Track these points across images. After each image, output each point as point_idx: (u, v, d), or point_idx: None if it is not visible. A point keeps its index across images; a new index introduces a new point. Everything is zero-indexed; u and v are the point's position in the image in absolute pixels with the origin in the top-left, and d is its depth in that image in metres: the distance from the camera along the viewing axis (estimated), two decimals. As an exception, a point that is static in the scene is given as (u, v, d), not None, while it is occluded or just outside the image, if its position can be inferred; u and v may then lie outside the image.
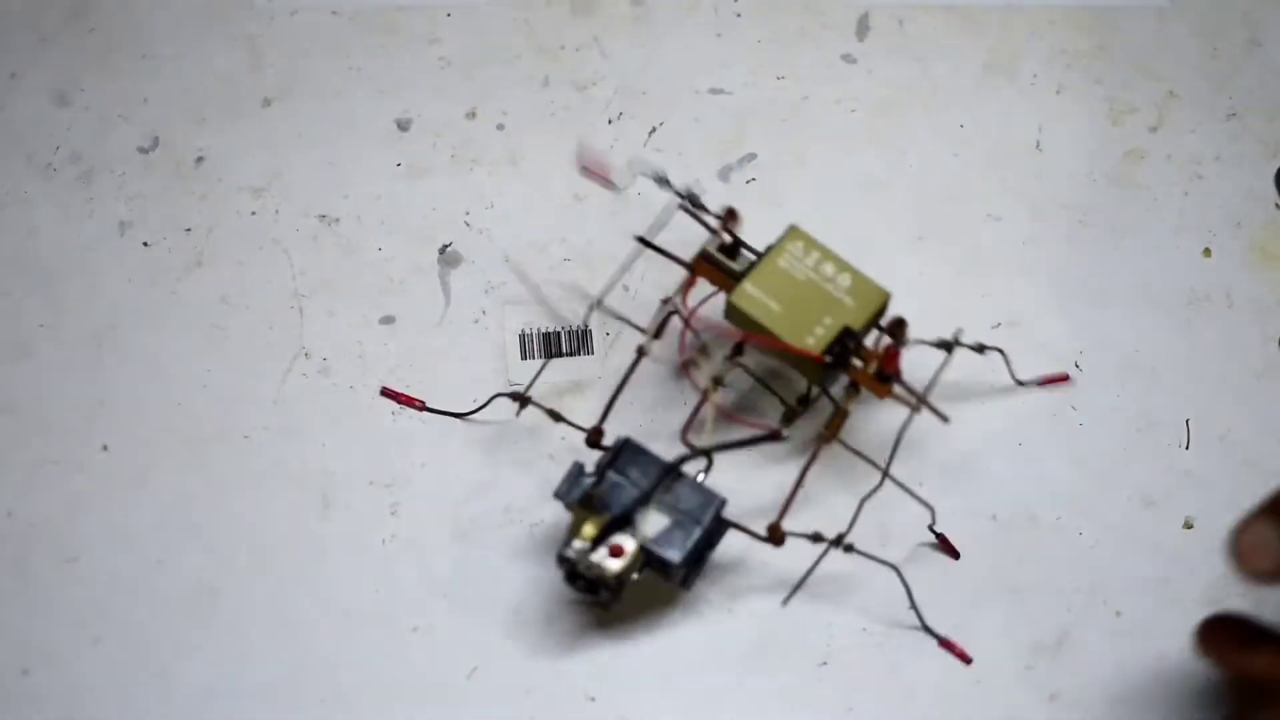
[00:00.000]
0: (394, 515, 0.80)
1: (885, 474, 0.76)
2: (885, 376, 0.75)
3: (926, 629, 0.78)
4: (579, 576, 0.74)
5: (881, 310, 0.76)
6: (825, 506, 0.78)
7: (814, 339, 0.75)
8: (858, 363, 0.75)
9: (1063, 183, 0.88)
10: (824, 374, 0.76)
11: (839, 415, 0.76)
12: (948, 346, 0.77)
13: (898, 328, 0.76)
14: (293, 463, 0.81)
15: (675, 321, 0.79)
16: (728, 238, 0.77)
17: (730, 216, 0.78)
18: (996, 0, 0.92)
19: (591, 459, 0.76)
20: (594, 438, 0.77)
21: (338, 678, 0.77)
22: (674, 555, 0.73)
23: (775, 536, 0.75)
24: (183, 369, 0.82)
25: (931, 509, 0.78)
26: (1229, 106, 0.90)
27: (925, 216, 0.87)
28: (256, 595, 0.78)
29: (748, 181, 0.87)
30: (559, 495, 0.74)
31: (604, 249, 0.86)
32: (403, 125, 0.88)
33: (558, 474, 0.81)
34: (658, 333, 0.78)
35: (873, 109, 0.89)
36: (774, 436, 0.73)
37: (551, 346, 0.84)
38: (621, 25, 0.90)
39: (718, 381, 0.74)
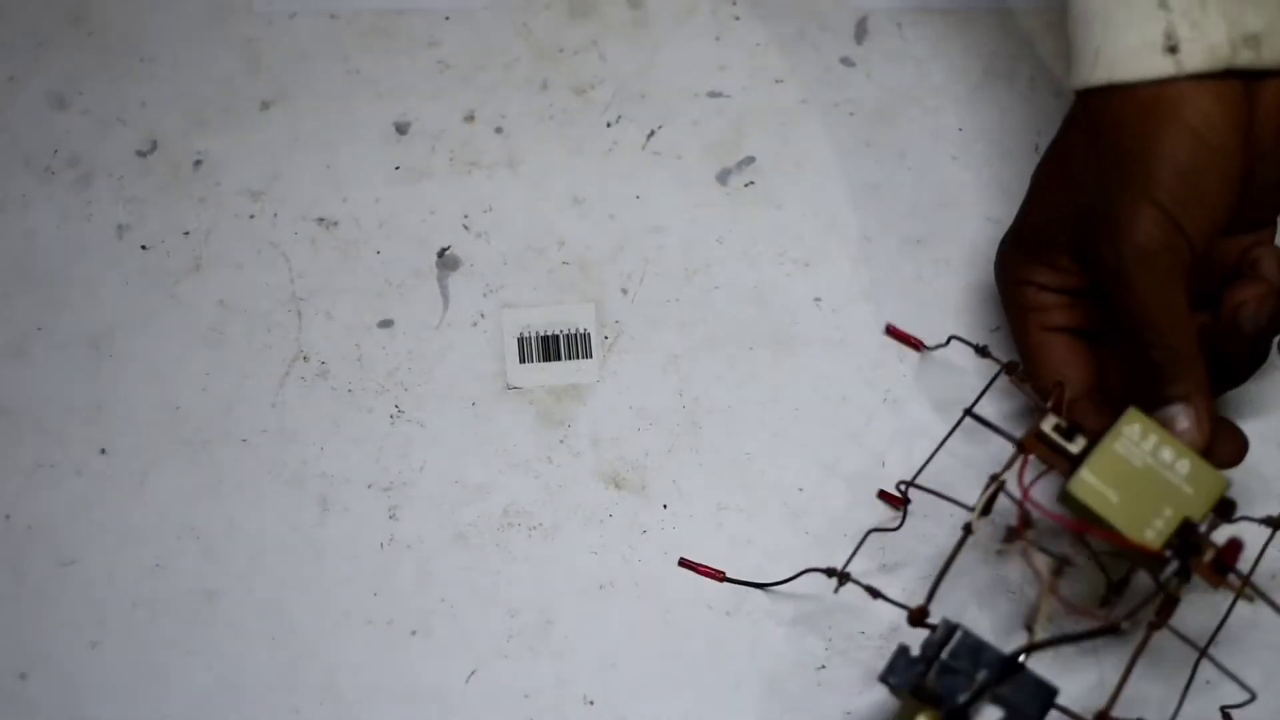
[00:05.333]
0: (393, 518, 0.80)
1: (1203, 653, 0.73)
2: (1223, 568, 0.71)
3: None
4: None
5: (1221, 498, 0.72)
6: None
7: (1153, 532, 0.70)
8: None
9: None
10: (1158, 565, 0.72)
11: (1169, 603, 0.71)
12: (1275, 524, 0.74)
13: (1227, 509, 0.72)
14: (291, 466, 0.81)
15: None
16: (1061, 420, 0.72)
17: (1058, 389, 0.74)
18: (995, 4, 0.92)
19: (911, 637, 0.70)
20: (917, 617, 0.71)
21: (336, 681, 0.77)
22: None
23: None
24: (181, 372, 0.82)
25: (1252, 693, 0.73)
26: (1227, 110, 0.90)
27: (924, 220, 0.87)
28: (255, 598, 0.78)
29: (746, 185, 0.87)
30: (885, 679, 0.69)
31: (602, 252, 0.86)
32: (401, 129, 0.88)
33: (558, 474, 0.81)
34: (986, 509, 0.73)
35: (871, 112, 0.89)
36: (1113, 630, 0.69)
37: (550, 350, 0.84)
38: (620, 29, 0.91)
39: (1059, 569, 0.70)
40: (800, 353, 0.84)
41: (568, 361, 0.84)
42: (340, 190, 0.86)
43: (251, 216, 0.86)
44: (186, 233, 0.85)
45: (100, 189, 0.86)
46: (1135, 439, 0.71)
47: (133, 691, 0.77)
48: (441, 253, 0.86)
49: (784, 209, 0.87)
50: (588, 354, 0.84)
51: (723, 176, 0.87)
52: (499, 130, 0.88)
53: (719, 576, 0.79)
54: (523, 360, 0.84)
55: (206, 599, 0.78)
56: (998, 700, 0.69)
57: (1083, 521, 0.71)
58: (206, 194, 0.86)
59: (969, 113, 0.89)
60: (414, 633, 0.78)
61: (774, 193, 0.87)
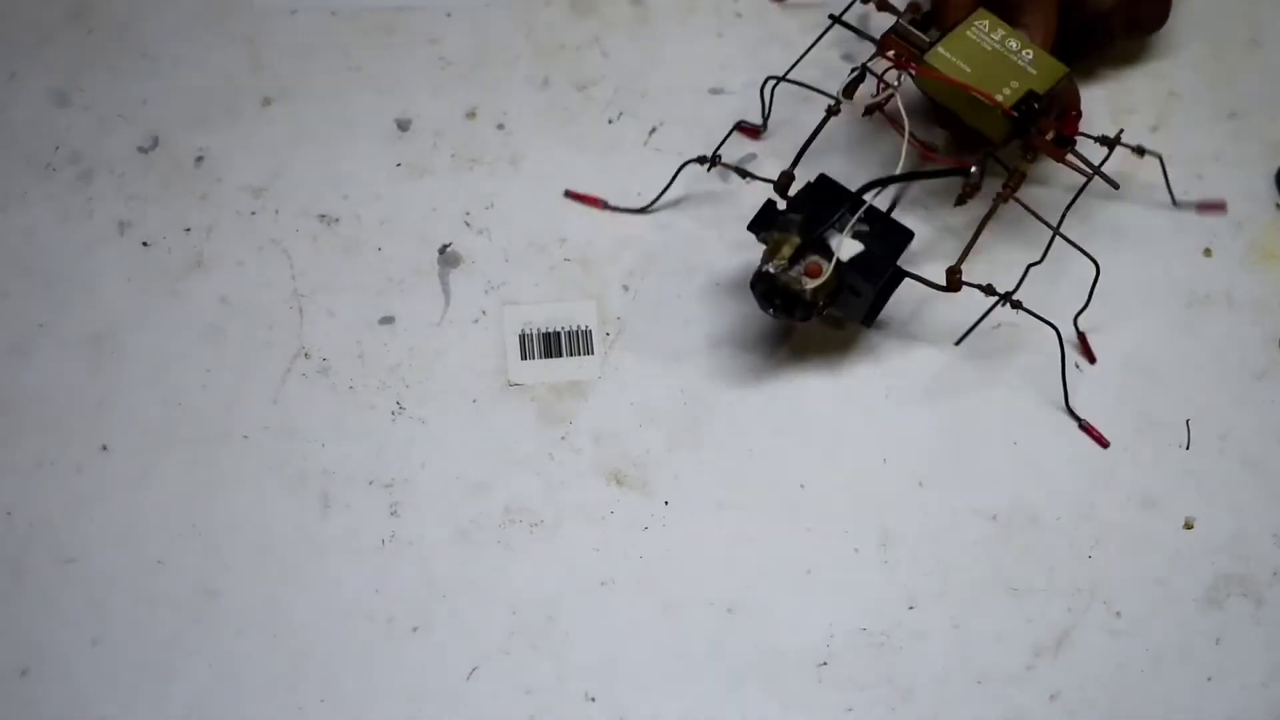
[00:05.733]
0: (394, 515, 0.80)
1: (1056, 231, 0.80)
2: (1063, 140, 0.80)
3: (1070, 410, 0.82)
4: (775, 295, 0.77)
5: (1063, 78, 0.81)
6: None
7: (1002, 97, 0.80)
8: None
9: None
10: (1006, 135, 0.81)
11: (1017, 174, 0.80)
12: (1109, 143, 0.82)
13: (1072, 95, 0.81)
14: (292, 463, 0.81)
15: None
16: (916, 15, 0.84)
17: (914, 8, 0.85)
18: (996, 0, 0.92)
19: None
20: (784, 182, 0.80)
21: (338, 678, 0.77)
22: (867, 281, 0.77)
23: (952, 283, 0.78)
24: (182, 369, 0.82)
25: (1097, 264, 0.80)
26: (1229, 106, 0.90)
27: (926, 215, 0.87)
28: (256, 595, 0.78)
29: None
30: (752, 227, 0.79)
31: (603, 249, 0.86)
32: (403, 125, 0.88)
33: (558, 475, 0.81)
34: (848, 91, 0.83)
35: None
36: (963, 171, 0.79)
37: (551, 347, 0.84)
38: (621, 26, 0.90)
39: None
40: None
41: (569, 358, 0.84)
42: (341, 187, 0.86)
43: (253, 213, 0.86)
44: (188, 229, 0.85)
45: (101, 186, 0.86)
46: (985, 30, 0.82)
47: (134, 688, 0.77)
48: (443, 249, 0.86)
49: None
50: (589, 351, 0.84)
51: (723, 174, 0.87)
52: (500, 127, 0.88)
53: (598, 203, 0.85)
54: (524, 357, 0.84)
55: (207, 596, 0.78)
56: (860, 238, 0.78)
57: (942, 76, 0.81)
58: (208, 191, 0.86)
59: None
60: (415, 629, 0.78)
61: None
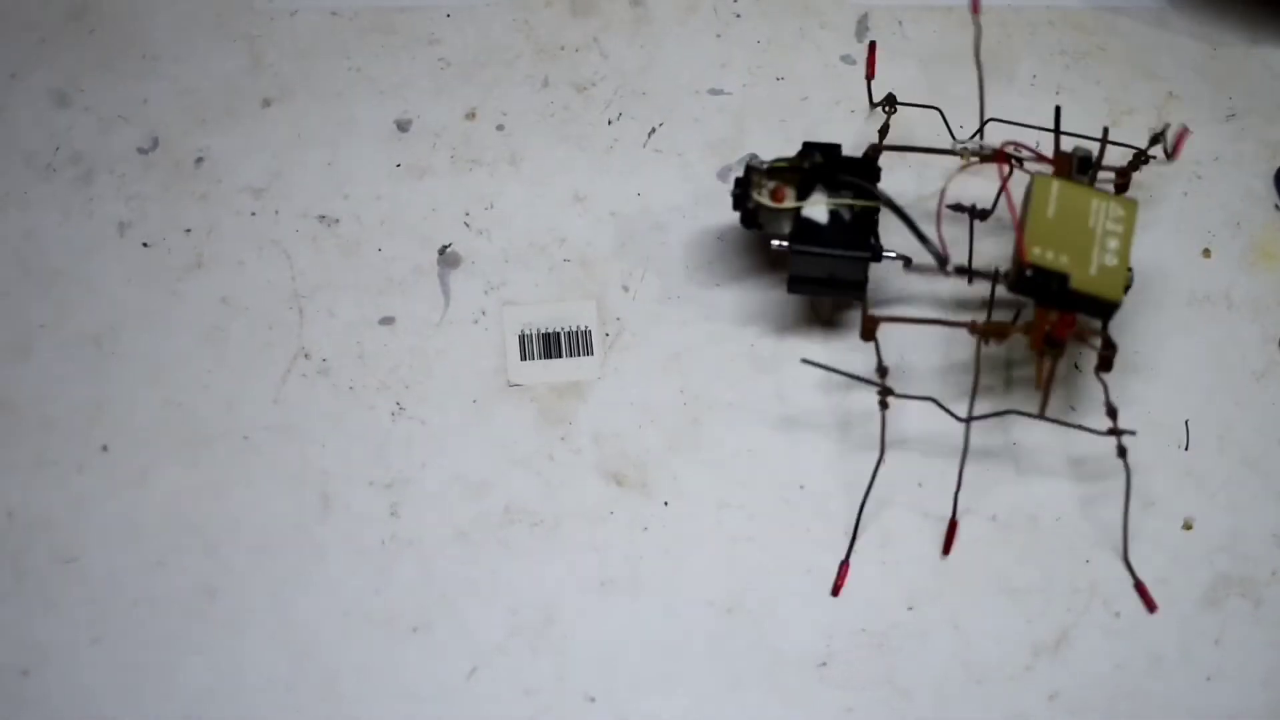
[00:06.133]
0: (394, 516, 0.80)
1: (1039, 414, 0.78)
2: (1053, 341, 0.76)
3: (1127, 564, 0.80)
4: (745, 198, 0.80)
5: (1103, 301, 0.77)
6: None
7: (1035, 255, 0.76)
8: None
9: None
10: (1022, 291, 0.77)
11: (996, 327, 0.77)
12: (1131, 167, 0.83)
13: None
14: (292, 463, 0.81)
15: None
16: None
17: None
18: (996, 1, 0.92)
19: None
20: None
21: (338, 678, 0.77)
22: (798, 240, 0.79)
23: (864, 331, 0.78)
24: (182, 369, 0.82)
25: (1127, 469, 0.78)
26: (1228, 107, 0.90)
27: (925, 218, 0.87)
28: (256, 595, 0.78)
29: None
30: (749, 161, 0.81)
31: (603, 249, 0.86)
32: (402, 126, 0.88)
33: (559, 472, 0.81)
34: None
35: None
36: (942, 262, 0.77)
37: (551, 347, 0.84)
38: (621, 26, 0.91)
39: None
40: (802, 351, 0.84)
41: (569, 359, 0.84)
42: (341, 187, 0.86)
43: (253, 214, 0.86)
44: (188, 230, 0.85)
45: (102, 186, 0.86)
46: (1105, 210, 0.78)
47: (134, 688, 0.77)
48: (443, 250, 0.86)
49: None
50: (589, 351, 0.84)
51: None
52: (500, 127, 0.88)
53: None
54: (524, 357, 0.84)
55: (207, 596, 0.78)
56: (836, 216, 0.80)
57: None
58: (208, 191, 0.86)
59: (969, 110, 0.89)
60: (415, 630, 0.78)
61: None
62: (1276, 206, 0.88)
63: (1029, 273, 0.76)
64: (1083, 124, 0.89)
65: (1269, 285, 0.86)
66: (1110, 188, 0.83)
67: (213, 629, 0.78)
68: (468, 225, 0.86)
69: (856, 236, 0.79)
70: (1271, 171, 0.88)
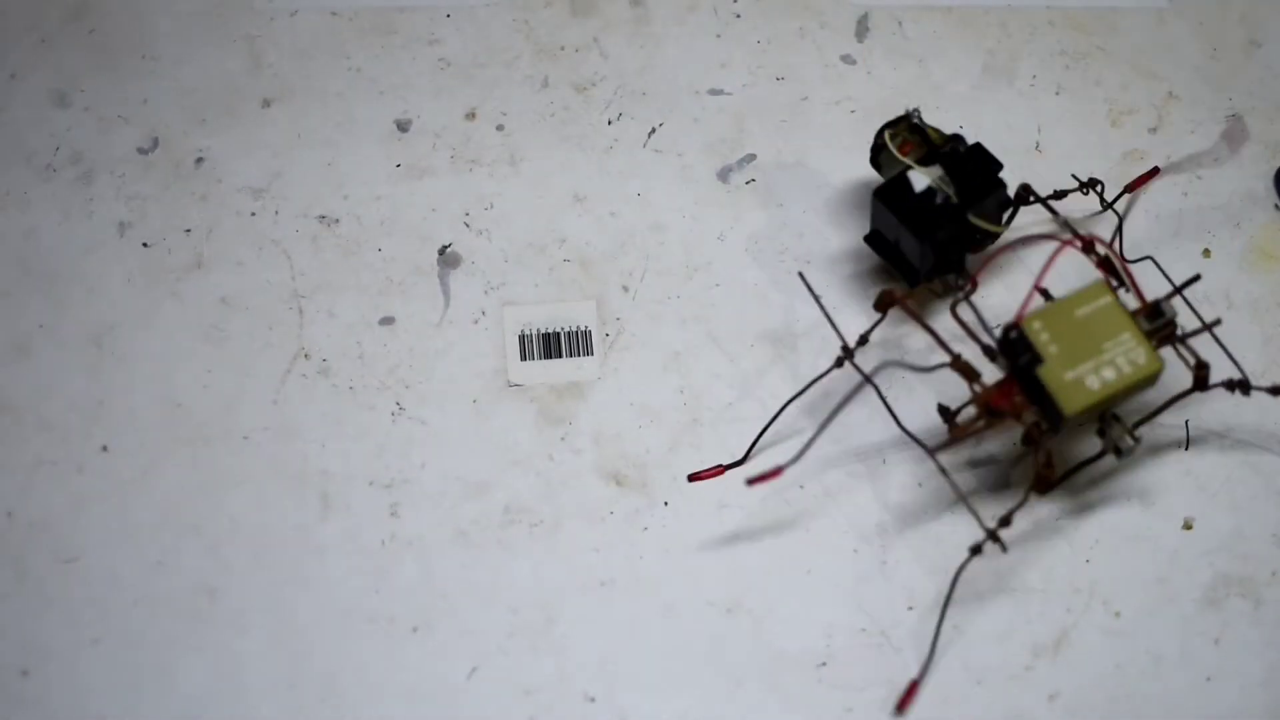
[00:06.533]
0: (394, 516, 0.80)
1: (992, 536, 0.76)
2: (992, 410, 0.75)
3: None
4: (881, 135, 0.82)
5: (1056, 406, 0.75)
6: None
7: (1033, 330, 0.76)
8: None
9: (1062, 184, 0.88)
10: (1001, 347, 0.76)
11: (971, 373, 0.76)
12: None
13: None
14: (292, 463, 0.81)
15: None
16: None
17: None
18: (996, 1, 0.92)
19: None
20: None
21: (338, 678, 0.77)
22: (897, 201, 0.80)
23: (880, 301, 0.78)
24: (182, 369, 0.82)
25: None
26: (1229, 107, 0.90)
27: (925, 217, 0.87)
28: (256, 595, 0.78)
29: (747, 182, 0.87)
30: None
31: (603, 249, 0.86)
32: (402, 126, 0.88)
33: (559, 472, 0.81)
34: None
35: (872, 110, 0.89)
36: (954, 362, 0.76)
37: (551, 347, 0.84)
38: (621, 26, 0.91)
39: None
40: (801, 350, 0.84)
41: (569, 359, 0.84)
42: (341, 188, 0.87)
43: (253, 214, 0.86)
44: (188, 230, 0.85)
45: (102, 186, 0.86)
46: (1106, 309, 0.77)
47: (134, 688, 0.77)
48: (443, 250, 0.86)
49: (785, 206, 0.87)
50: (589, 351, 0.84)
51: (724, 174, 0.87)
52: (500, 128, 0.88)
53: (719, 472, 0.81)
54: (524, 357, 0.84)
55: (208, 596, 0.78)
56: (942, 185, 0.80)
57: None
58: (208, 191, 0.86)
59: (970, 110, 0.89)
60: (415, 630, 0.78)
61: (775, 190, 0.87)
62: (1276, 207, 0.88)
63: (1013, 333, 0.75)
64: (1083, 124, 0.89)
65: (1269, 285, 0.86)
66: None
67: (213, 629, 0.78)
68: (468, 225, 0.86)
69: (934, 225, 0.80)
70: (1271, 172, 0.88)
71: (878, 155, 0.83)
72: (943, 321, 0.80)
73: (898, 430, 0.80)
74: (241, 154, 0.87)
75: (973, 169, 0.81)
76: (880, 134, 0.82)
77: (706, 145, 0.88)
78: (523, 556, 0.80)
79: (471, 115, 0.88)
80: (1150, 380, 0.76)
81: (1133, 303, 0.78)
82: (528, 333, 0.84)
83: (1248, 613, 0.79)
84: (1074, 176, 0.85)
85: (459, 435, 0.82)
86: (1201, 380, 0.77)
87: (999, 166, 0.81)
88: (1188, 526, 0.81)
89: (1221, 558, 0.80)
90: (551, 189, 0.87)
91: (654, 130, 0.88)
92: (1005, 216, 0.82)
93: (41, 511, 0.80)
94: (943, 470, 0.76)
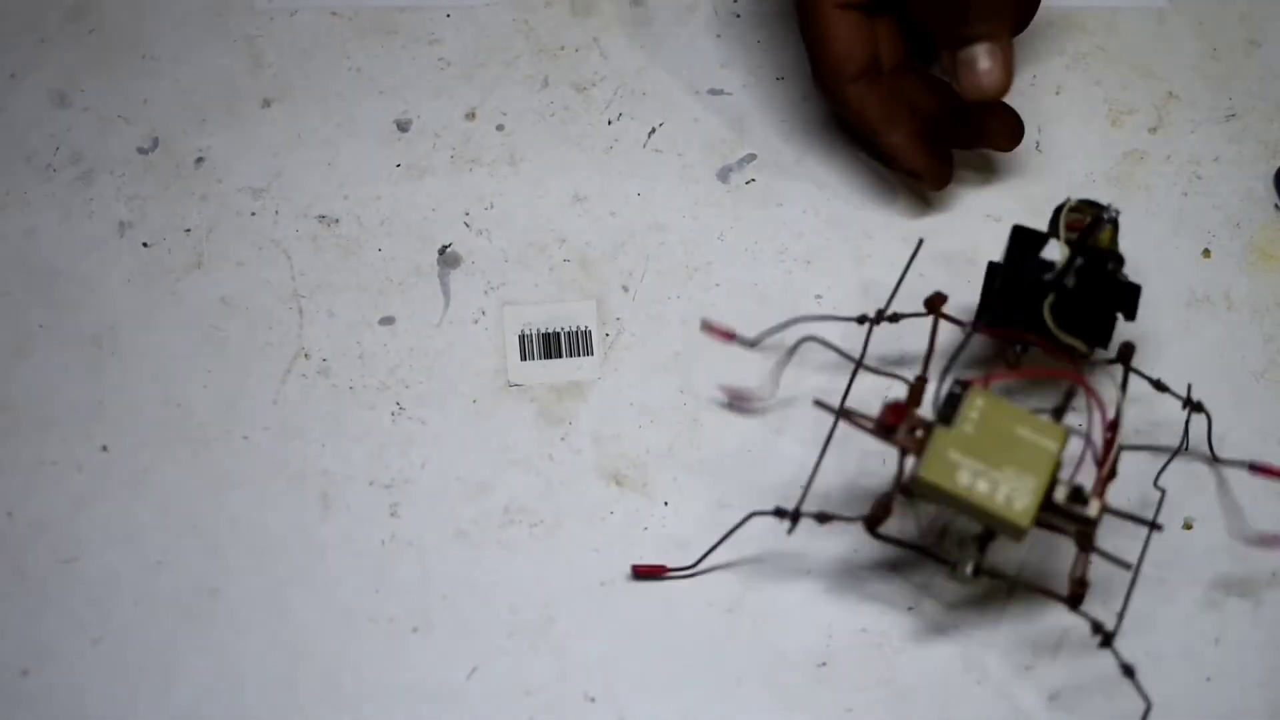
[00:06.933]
0: (394, 516, 0.80)
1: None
2: (886, 427, 0.74)
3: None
4: (1060, 213, 0.77)
5: (931, 481, 0.72)
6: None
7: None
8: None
9: (1062, 184, 0.88)
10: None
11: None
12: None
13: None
14: (292, 463, 0.81)
15: None
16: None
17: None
18: (996, 1, 0.91)
19: None
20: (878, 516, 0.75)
21: (338, 678, 0.77)
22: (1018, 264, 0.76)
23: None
24: (182, 369, 0.82)
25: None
26: (1229, 107, 0.90)
27: (924, 218, 0.87)
28: (256, 596, 0.78)
29: (747, 182, 0.87)
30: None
31: (603, 249, 0.86)
32: (402, 126, 0.88)
33: (559, 472, 0.81)
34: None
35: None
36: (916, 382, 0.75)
37: (551, 347, 0.84)
38: (621, 26, 0.91)
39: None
40: (801, 350, 0.84)
41: (569, 359, 0.84)
42: (341, 187, 0.86)
43: (253, 214, 0.86)
44: (188, 230, 0.85)
45: (101, 186, 0.86)
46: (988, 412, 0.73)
47: (134, 689, 0.77)
48: (443, 250, 0.86)
49: (785, 206, 0.87)
50: (589, 351, 0.84)
51: (724, 174, 0.87)
52: (500, 127, 0.88)
53: (661, 570, 0.79)
54: (524, 357, 0.84)
55: (208, 596, 0.78)
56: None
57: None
58: (208, 191, 0.86)
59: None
60: (415, 630, 0.78)
61: (775, 190, 0.87)
62: (1276, 207, 0.88)
63: (957, 389, 0.73)
64: (1082, 124, 0.89)
65: (1269, 286, 0.86)
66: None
67: (213, 629, 0.78)
68: (468, 225, 0.86)
69: (1022, 284, 0.76)
70: (1271, 172, 0.88)
71: (1056, 214, 0.77)
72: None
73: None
74: (241, 154, 0.87)
75: (1101, 291, 0.77)
76: (1069, 201, 0.77)
77: (707, 145, 0.88)
78: (523, 556, 0.80)
79: (471, 115, 0.88)
80: (1009, 528, 0.72)
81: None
82: (528, 332, 0.84)
83: (1247, 613, 0.79)
84: (1177, 396, 0.80)
85: (459, 435, 0.82)
86: (1075, 598, 0.73)
87: (1125, 309, 0.77)
88: (1188, 526, 0.81)
89: (1221, 558, 0.80)
90: (551, 189, 0.87)
91: (654, 130, 0.88)
92: (1090, 349, 0.78)
93: (41, 511, 0.80)
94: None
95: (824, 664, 0.78)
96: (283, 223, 0.86)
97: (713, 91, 0.90)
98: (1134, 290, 0.78)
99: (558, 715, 0.77)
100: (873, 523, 0.74)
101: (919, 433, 0.73)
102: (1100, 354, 0.79)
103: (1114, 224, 0.78)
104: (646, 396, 0.83)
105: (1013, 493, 0.72)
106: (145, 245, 0.85)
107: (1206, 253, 0.87)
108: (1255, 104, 0.90)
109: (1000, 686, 0.77)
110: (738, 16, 0.91)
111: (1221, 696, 0.78)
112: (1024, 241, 0.77)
